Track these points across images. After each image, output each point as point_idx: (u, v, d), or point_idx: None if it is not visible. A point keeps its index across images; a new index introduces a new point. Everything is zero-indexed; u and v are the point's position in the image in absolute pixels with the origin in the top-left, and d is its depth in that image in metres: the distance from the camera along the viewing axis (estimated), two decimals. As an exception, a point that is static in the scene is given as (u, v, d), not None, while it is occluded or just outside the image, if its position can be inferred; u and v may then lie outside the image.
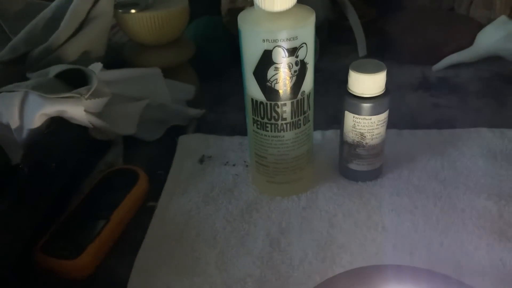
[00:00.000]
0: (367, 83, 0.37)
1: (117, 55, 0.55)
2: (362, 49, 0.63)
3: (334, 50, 0.65)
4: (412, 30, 0.62)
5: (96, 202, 0.39)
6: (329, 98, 0.56)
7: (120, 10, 0.50)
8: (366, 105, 0.38)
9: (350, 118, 0.39)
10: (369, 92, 0.37)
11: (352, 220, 0.38)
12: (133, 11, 0.49)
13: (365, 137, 0.39)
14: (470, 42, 0.60)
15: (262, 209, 0.40)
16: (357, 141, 0.39)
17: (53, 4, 0.49)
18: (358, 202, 0.40)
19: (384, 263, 0.34)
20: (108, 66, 0.48)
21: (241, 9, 0.58)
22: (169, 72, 0.51)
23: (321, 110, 0.53)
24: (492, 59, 0.59)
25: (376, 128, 0.39)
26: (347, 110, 0.39)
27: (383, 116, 0.38)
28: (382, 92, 0.38)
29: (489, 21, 0.61)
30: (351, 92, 0.38)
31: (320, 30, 0.62)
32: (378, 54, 0.63)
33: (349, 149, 0.40)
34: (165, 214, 0.39)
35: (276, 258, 0.35)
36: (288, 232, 0.37)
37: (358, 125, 0.39)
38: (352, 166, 0.41)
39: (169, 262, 0.35)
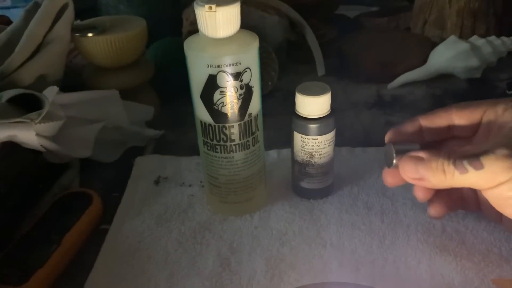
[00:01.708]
0: (313, 105, 0.39)
1: (77, 78, 0.55)
2: (320, 69, 0.65)
3: (294, 69, 0.66)
4: (369, 49, 0.65)
5: (48, 226, 0.39)
6: (287, 117, 0.57)
7: (77, 34, 0.50)
8: (312, 126, 0.39)
9: (298, 138, 0.40)
10: (314, 113, 0.39)
11: (302, 237, 0.39)
12: (90, 34, 0.50)
13: (313, 156, 0.40)
14: (423, 61, 0.62)
15: (215, 229, 0.40)
16: (306, 160, 0.41)
17: (9, 28, 0.49)
18: (309, 219, 0.41)
19: (330, 281, 0.35)
20: (68, 88, 0.48)
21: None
22: (129, 93, 0.52)
23: (278, 129, 0.55)
24: (444, 77, 0.62)
25: (324, 148, 0.40)
26: (295, 131, 0.40)
27: (330, 135, 0.40)
28: (328, 113, 0.39)
29: (442, 40, 0.63)
30: (298, 114, 0.39)
31: (279, 51, 0.64)
32: (336, 73, 0.65)
33: (299, 168, 0.42)
34: (117, 236, 0.40)
35: (225, 278, 0.36)
36: (239, 252, 0.38)
37: (306, 145, 0.40)
38: (304, 184, 0.42)
39: (119, 284, 0.36)
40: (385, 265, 0.36)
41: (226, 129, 0.37)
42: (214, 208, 0.42)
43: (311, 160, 0.40)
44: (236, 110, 0.36)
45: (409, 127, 0.36)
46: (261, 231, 0.40)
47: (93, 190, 0.42)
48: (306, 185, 0.42)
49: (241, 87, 0.36)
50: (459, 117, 0.35)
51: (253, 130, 0.38)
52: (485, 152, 0.29)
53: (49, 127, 0.41)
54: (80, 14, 0.56)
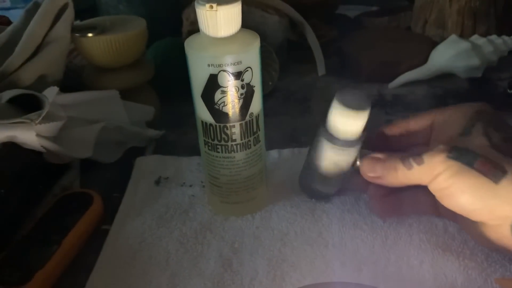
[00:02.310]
0: (361, 125, 0.36)
1: (78, 78, 0.55)
2: (321, 68, 0.65)
3: (294, 69, 0.66)
4: (369, 49, 0.65)
5: (49, 227, 0.39)
6: (288, 117, 0.57)
7: (77, 34, 0.50)
8: (355, 147, 0.37)
9: (331, 155, 0.37)
10: (358, 131, 0.36)
11: (304, 238, 0.39)
12: (90, 34, 0.50)
13: (343, 168, 0.38)
14: (424, 60, 0.62)
15: (216, 230, 0.40)
16: (332, 172, 0.39)
17: (9, 28, 0.49)
18: (310, 219, 0.40)
19: (332, 280, 0.35)
20: (68, 89, 0.48)
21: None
22: (128, 94, 0.52)
23: (279, 129, 0.55)
24: (445, 76, 0.61)
25: (353, 158, 0.38)
26: (331, 152, 0.37)
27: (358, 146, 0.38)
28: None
29: (442, 39, 0.63)
30: (337, 136, 0.36)
31: (280, 51, 0.64)
32: (337, 73, 0.65)
33: (320, 175, 0.39)
34: (118, 237, 0.40)
35: (227, 279, 0.35)
36: (240, 252, 0.38)
37: (339, 162, 0.38)
38: (320, 187, 0.40)
39: (120, 285, 0.35)
40: (388, 265, 0.36)
41: (227, 128, 0.37)
42: (215, 209, 0.42)
43: (336, 170, 0.38)
44: (237, 109, 0.36)
45: (377, 139, 0.41)
46: (262, 231, 0.40)
47: (93, 191, 0.42)
48: (323, 189, 0.40)
49: (242, 87, 0.35)
50: (414, 125, 0.40)
51: (254, 129, 0.38)
52: (426, 150, 0.34)
53: (49, 128, 0.41)
54: (80, 14, 0.56)
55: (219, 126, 0.37)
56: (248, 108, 0.37)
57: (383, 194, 0.39)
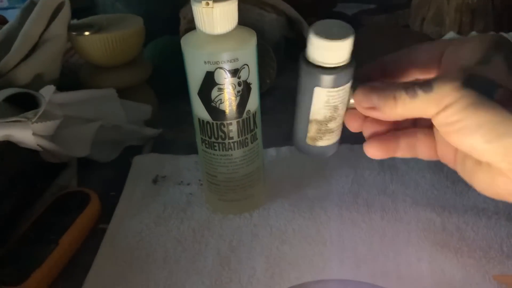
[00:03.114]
0: (344, 49, 0.30)
1: (74, 77, 0.55)
2: (319, 66, 0.64)
3: (292, 67, 0.66)
4: (367, 47, 0.64)
5: (46, 226, 0.39)
6: (286, 115, 0.56)
7: (74, 33, 0.50)
8: (341, 74, 0.31)
9: (323, 94, 0.32)
10: (344, 58, 0.30)
11: (302, 235, 0.39)
12: (87, 33, 0.50)
13: (338, 108, 0.34)
14: (422, 58, 0.62)
15: (214, 228, 0.40)
16: (330, 116, 0.34)
17: (5, 27, 0.49)
18: (308, 217, 0.40)
19: (331, 278, 0.35)
20: (65, 87, 0.48)
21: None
22: (126, 92, 0.51)
23: (277, 127, 0.54)
24: (443, 74, 0.61)
25: (348, 95, 0.33)
26: (319, 86, 0.32)
27: (351, 81, 0.33)
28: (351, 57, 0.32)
29: (440, 36, 0.63)
30: (322, 65, 0.30)
31: (277, 48, 0.63)
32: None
33: (318, 127, 0.35)
34: (116, 236, 0.39)
35: (225, 277, 0.35)
36: (238, 250, 0.38)
37: (332, 99, 0.33)
38: (322, 142, 0.36)
39: (118, 284, 0.35)
40: (386, 262, 0.36)
41: (224, 126, 0.37)
42: (213, 207, 0.42)
43: (334, 114, 0.34)
44: (234, 107, 0.36)
45: (373, 72, 0.35)
46: (260, 229, 0.40)
47: (91, 190, 0.42)
48: (326, 143, 0.36)
49: (239, 84, 0.35)
50: (419, 55, 0.33)
51: (252, 127, 0.38)
52: (438, 77, 0.28)
53: (46, 126, 0.41)
54: (76, 13, 0.55)
55: (216, 123, 0.37)
56: (245, 106, 0.36)
57: (379, 132, 0.34)
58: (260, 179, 0.41)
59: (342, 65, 0.30)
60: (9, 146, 0.39)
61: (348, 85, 0.32)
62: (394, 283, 0.34)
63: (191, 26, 0.62)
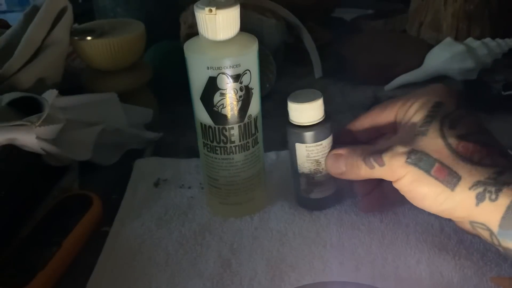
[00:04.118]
0: (315, 109, 0.38)
1: (76, 81, 0.56)
2: (318, 71, 0.65)
3: (291, 72, 0.67)
4: (365, 51, 0.65)
5: (49, 229, 0.39)
6: (285, 119, 0.57)
7: (76, 37, 0.51)
8: (316, 132, 0.38)
9: (302, 149, 0.39)
10: (316, 117, 0.38)
11: (302, 238, 0.39)
12: (89, 38, 0.50)
13: (320, 163, 0.39)
14: (420, 63, 0.63)
15: (215, 231, 0.40)
16: (314, 169, 0.40)
17: (8, 31, 0.50)
18: (308, 220, 0.41)
19: (330, 280, 0.35)
20: (67, 91, 0.48)
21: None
22: (127, 96, 0.52)
23: (277, 131, 0.55)
24: (440, 79, 0.62)
25: (328, 151, 0.39)
26: (298, 142, 0.39)
27: (330, 137, 0.40)
28: (325, 115, 0.39)
29: (437, 42, 0.64)
30: (297, 124, 0.38)
31: (277, 53, 0.64)
32: (334, 75, 0.66)
33: (307, 180, 0.40)
34: (118, 239, 0.40)
35: (226, 279, 0.36)
36: (239, 253, 0.38)
37: (312, 153, 0.39)
38: (314, 195, 0.41)
39: (120, 286, 0.36)
40: (385, 265, 0.36)
41: (226, 130, 0.37)
42: (214, 210, 0.42)
43: (318, 167, 0.39)
44: (236, 111, 0.37)
45: (343, 135, 0.41)
46: (261, 232, 0.40)
47: (93, 193, 0.42)
48: (318, 195, 0.41)
49: (241, 89, 0.36)
50: (378, 119, 0.39)
51: (253, 131, 0.39)
52: (386, 149, 0.34)
53: (49, 130, 0.42)
54: (78, 17, 0.56)
55: (218, 128, 0.37)
56: (247, 110, 0.37)
57: (367, 191, 0.40)
58: (261, 182, 0.42)
59: (315, 123, 0.38)
60: (13, 149, 0.40)
61: (326, 141, 0.39)
62: (393, 285, 0.34)
63: (192, 31, 0.63)
